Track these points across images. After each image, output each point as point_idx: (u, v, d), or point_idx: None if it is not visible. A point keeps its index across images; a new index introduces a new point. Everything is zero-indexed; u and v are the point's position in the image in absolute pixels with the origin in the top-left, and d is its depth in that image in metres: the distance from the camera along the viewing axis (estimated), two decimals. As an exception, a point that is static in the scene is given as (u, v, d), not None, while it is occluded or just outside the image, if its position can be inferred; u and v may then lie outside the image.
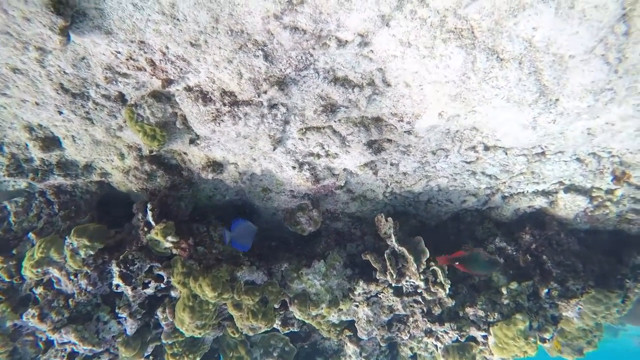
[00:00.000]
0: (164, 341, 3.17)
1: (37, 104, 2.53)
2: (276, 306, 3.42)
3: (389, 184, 3.40)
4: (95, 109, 2.66)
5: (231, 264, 3.14)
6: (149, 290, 3.03)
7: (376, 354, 3.97)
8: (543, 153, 2.99)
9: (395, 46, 2.08)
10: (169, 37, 2.17)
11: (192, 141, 2.91)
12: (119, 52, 2.26)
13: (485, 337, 3.46)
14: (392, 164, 3.13)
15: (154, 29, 2.12)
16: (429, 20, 1.93)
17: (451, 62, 2.09)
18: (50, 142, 2.84)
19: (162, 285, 3.04)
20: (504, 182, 3.39)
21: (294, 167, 3.00)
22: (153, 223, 2.95)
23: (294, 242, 3.77)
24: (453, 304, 3.37)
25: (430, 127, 2.61)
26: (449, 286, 3.25)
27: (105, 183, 3.37)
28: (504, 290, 3.45)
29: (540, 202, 3.54)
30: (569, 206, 3.49)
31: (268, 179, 3.24)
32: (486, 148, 2.94)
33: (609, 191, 3.31)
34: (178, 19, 2.07)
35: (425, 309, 3.50)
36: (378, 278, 3.37)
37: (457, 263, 3.17)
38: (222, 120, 2.57)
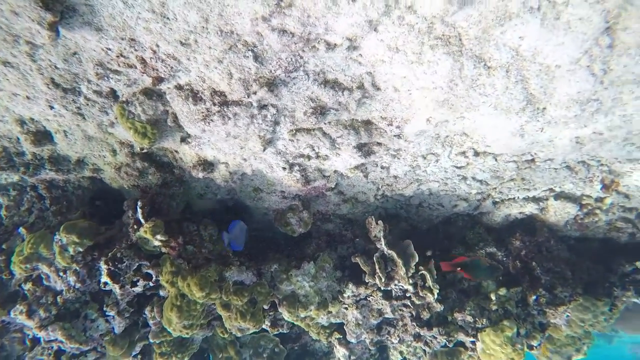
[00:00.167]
0: (151, 340, 3.17)
1: (28, 97, 2.54)
2: (265, 307, 3.43)
3: (380, 187, 3.41)
4: (87, 104, 2.67)
5: (220, 264, 3.14)
6: (138, 289, 3.03)
7: (365, 357, 3.98)
8: (533, 160, 3.00)
9: (384, 51, 2.09)
10: (159, 36, 2.18)
11: (183, 139, 2.92)
12: (110, 49, 2.27)
13: (473, 342, 3.47)
14: (382, 167, 3.14)
15: (145, 27, 2.13)
16: (416, 27, 1.94)
17: (439, 68, 2.10)
18: (42, 137, 2.85)
19: (151, 284, 3.05)
20: (495, 188, 3.40)
21: (284, 168, 3.01)
22: (143, 221, 2.95)
23: (284, 242, 3.77)
24: (442, 308, 3.38)
25: (420, 131, 2.62)
26: (438, 291, 3.26)
27: (98, 179, 3.38)
28: (493, 296, 3.45)
29: (530, 208, 3.55)
30: (559, 213, 3.50)
31: (259, 179, 3.25)
32: (476, 154, 2.95)
33: (599, 199, 3.32)
34: (168, 18, 2.08)
35: (414, 313, 3.51)
36: (367, 281, 3.38)
37: (459, 268, 3.19)
38: (211, 120, 2.58)
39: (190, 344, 3.46)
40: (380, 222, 3.32)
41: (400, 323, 3.62)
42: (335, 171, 3.13)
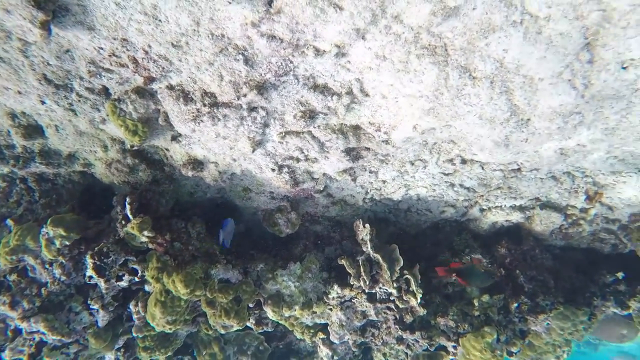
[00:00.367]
0: (135, 335, 3.20)
1: (19, 92, 2.56)
2: (251, 305, 3.46)
3: (368, 191, 3.45)
4: (79, 101, 2.69)
5: (206, 262, 3.17)
6: (123, 283, 3.06)
7: (348, 358, 4.01)
8: (519, 169, 3.05)
9: (371, 59, 2.13)
10: (151, 37, 2.21)
11: (174, 138, 2.95)
12: (102, 48, 2.30)
13: (455, 347, 3.51)
14: (371, 172, 3.18)
15: (137, 28, 2.16)
16: (403, 36, 1.98)
17: (425, 77, 2.14)
18: (33, 130, 2.87)
19: (137, 279, 3.07)
20: (482, 195, 3.44)
21: (273, 169, 3.04)
22: (131, 217, 2.98)
23: (272, 242, 3.80)
24: (424, 313, 3.42)
25: (407, 138, 2.66)
26: (421, 295, 3.30)
27: (89, 174, 3.40)
28: (476, 302, 3.50)
29: (517, 216, 3.60)
30: (545, 222, 3.55)
31: (248, 179, 3.28)
32: (463, 161, 3.00)
33: (583, 210, 3.37)
34: (160, 20, 2.11)
35: (397, 317, 3.55)
36: (352, 283, 3.41)
37: (454, 274, 3.23)
38: (201, 121, 2.61)
39: (174, 339, 3.49)
40: (367, 225, 3.36)
41: (384, 326, 3.66)
42: (324, 174, 3.17)
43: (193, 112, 2.60)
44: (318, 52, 2.16)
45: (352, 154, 2.90)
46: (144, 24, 2.13)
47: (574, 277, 3.63)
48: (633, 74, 1.92)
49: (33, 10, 1.84)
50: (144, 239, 2.98)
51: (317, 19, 1.94)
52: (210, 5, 1.99)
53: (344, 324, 3.57)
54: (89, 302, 3.05)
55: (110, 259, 2.95)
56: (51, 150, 3.11)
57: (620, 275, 3.47)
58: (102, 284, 2.98)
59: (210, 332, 3.64)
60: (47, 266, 3.00)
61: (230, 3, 1.92)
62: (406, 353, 3.66)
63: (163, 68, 2.41)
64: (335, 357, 3.86)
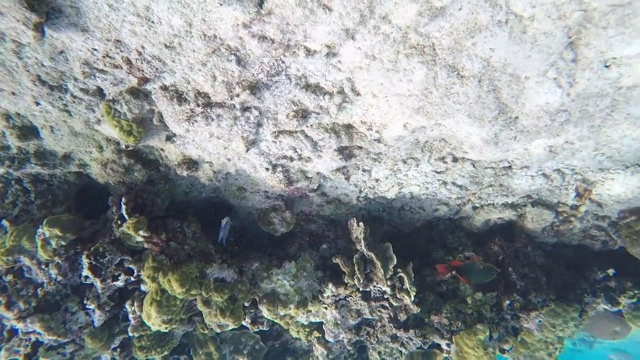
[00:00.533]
0: (130, 334, 3.22)
1: (13, 93, 2.58)
2: (246, 304, 3.48)
3: (362, 189, 3.48)
4: (74, 101, 2.72)
5: (202, 261, 3.20)
6: (119, 283, 3.08)
7: (343, 357, 4.04)
8: (510, 167, 3.09)
9: (361, 58, 2.17)
10: (144, 38, 2.24)
11: (168, 138, 2.97)
12: (96, 49, 2.32)
13: (449, 345, 3.54)
14: (364, 170, 3.21)
15: (130, 29, 2.19)
16: (391, 36, 2.02)
17: (414, 76, 2.18)
18: (28, 131, 2.89)
19: (132, 279, 3.09)
20: (474, 193, 3.48)
21: (267, 169, 3.07)
22: (126, 217, 3.00)
23: (267, 241, 3.83)
24: (418, 311, 3.45)
25: (398, 136, 2.70)
26: (415, 293, 3.33)
27: (84, 174, 3.42)
28: (469, 300, 3.53)
29: (509, 214, 3.64)
30: (537, 220, 3.59)
31: (243, 178, 3.31)
32: (455, 159, 3.03)
33: (574, 207, 3.41)
34: (153, 22, 2.14)
35: (392, 315, 3.58)
36: (347, 282, 3.44)
37: (453, 272, 3.27)
38: (195, 121, 2.64)
39: (171, 338, 3.51)
40: (361, 224, 3.39)
41: (379, 324, 3.69)
42: (317, 173, 3.20)
43: (187, 112, 2.63)
44: (309, 52, 2.19)
45: (345, 152, 2.93)
46: (137, 26, 2.16)
47: (566, 274, 3.68)
48: (616, 72, 1.97)
49: (26, 12, 1.87)
50: (139, 239, 3.00)
51: (307, 20, 1.97)
52: (202, 7, 2.03)
53: (339, 322, 3.60)
54: (85, 302, 3.07)
55: (106, 258, 2.97)
56: (46, 151, 3.13)
57: (611, 272, 3.51)
58: (98, 283, 3.00)
59: (206, 332, 3.67)
60: (43, 267, 3.02)
61: (221, 5, 1.96)
62: (400, 351, 3.69)
63: (157, 69, 2.44)
64: (330, 356, 3.89)
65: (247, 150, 2.90)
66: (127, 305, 3.17)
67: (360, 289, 3.43)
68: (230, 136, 2.79)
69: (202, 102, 2.58)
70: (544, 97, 2.18)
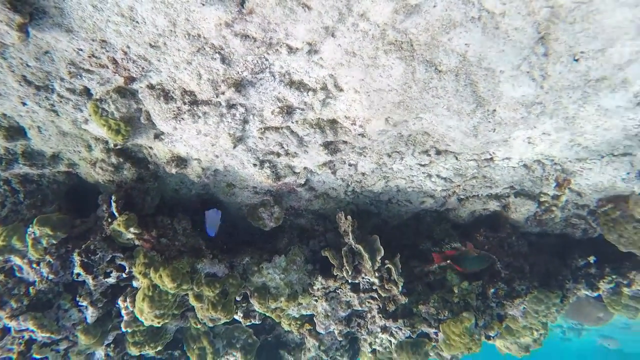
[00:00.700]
0: (124, 329, 3.27)
1: None
2: (238, 299, 3.54)
3: (349, 184, 3.55)
4: (61, 101, 2.75)
5: (193, 256, 3.25)
6: (111, 280, 3.13)
7: (335, 348, 4.13)
8: (492, 159, 3.17)
9: (342, 55, 2.23)
10: (129, 38, 2.28)
11: (156, 136, 3.01)
12: (81, 49, 2.36)
13: (436, 333, 3.64)
14: (350, 165, 3.28)
15: (115, 29, 2.23)
16: (370, 33, 2.08)
17: (393, 72, 2.24)
18: (15, 132, 2.91)
19: (124, 275, 3.14)
20: (459, 185, 3.57)
21: (255, 165, 3.13)
22: (116, 214, 3.04)
23: (258, 236, 3.89)
24: (406, 301, 3.54)
25: (381, 130, 2.76)
26: (402, 284, 3.41)
27: (74, 174, 3.45)
28: (456, 289, 3.63)
29: (493, 205, 3.73)
30: (520, 210, 3.69)
31: (231, 175, 3.36)
32: (438, 152, 3.11)
33: (555, 197, 3.51)
34: (137, 22, 2.18)
35: (381, 306, 3.67)
36: (336, 274, 3.52)
37: (448, 261, 3.35)
38: (182, 118, 2.69)
39: (164, 333, 3.56)
40: (349, 217, 3.46)
41: (369, 315, 3.77)
42: (304, 168, 3.26)
43: (174, 111, 2.68)
44: (291, 49, 2.25)
45: (331, 147, 3.00)
46: (121, 26, 2.20)
47: (549, 261, 3.78)
48: (584, 65, 2.05)
49: (9, 13, 1.90)
50: (130, 236, 3.05)
51: (288, 18, 2.03)
52: (185, 7, 2.07)
53: (329, 314, 3.68)
54: (77, 299, 3.11)
55: (98, 256, 3.02)
56: (34, 151, 3.16)
57: (592, 259, 3.63)
58: (90, 280, 3.05)
59: (199, 327, 3.73)
60: (34, 265, 3.05)
61: (204, 5, 2.01)
62: (390, 341, 3.78)
63: (143, 68, 2.48)
64: (321, 347, 3.97)
65: (234, 147, 2.96)
66: (119, 302, 3.22)
67: (349, 281, 3.51)
68: (217, 133, 2.84)
69: (188, 100, 2.63)
70: (519, 89, 2.26)
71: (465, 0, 1.88)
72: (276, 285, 3.50)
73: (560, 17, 1.82)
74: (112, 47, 2.35)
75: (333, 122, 2.84)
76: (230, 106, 2.67)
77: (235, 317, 3.71)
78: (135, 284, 3.24)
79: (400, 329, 3.68)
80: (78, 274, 2.99)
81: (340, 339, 3.82)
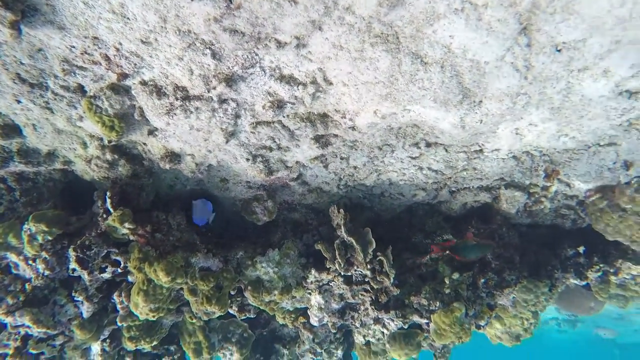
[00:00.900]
0: (119, 324, 3.30)
1: (-6, 92, 2.64)
2: (232, 293, 3.59)
3: (341, 177, 3.60)
4: (55, 99, 2.78)
5: (187, 251, 3.29)
6: (106, 275, 3.16)
7: (329, 340, 4.17)
8: (481, 151, 3.22)
9: (329, 48, 2.27)
10: (121, 35, 2.32)
11: (150, 132, 3.05)
12: (74, 47, 2.40)
13: (428, 324, 3.69)
14: (342, 158, 3.32)
15: (106, 26, 2.27)
16: (356, 26, 2.12)
17: (379, 64, 2.29)
18: (10, 130, 2.94)
19: (119, 270, 3.18)
20: (450, 177, 3.62)
21: (247, 159, 3.17)
22: (111, 210, 3.08)
23: (251, 231, 3.94)
24: (398, 292, 3.59)
25: (371, 123, 2.81)
26: (394, 275, 3.46)
27: (69, 171, 3.48)
28: (447, 280, 3.68)
29: (484, 197, 3.79)
30: (510, 201, 3.74)
31: (225, 170, 3.41)
32: (428, 144, 3.16)
33: (544, 188, 3.57)
34: (128, 18, 2.22)
35: (373, 297, 3.72)
36: (329, 267, 3.57)
37: (447, 252, 3.40)
38: (175, 114, 2.73)
39: (159, 328, 3.60)
40: (341, 210, 3.51)
41: (362, 307, 3.82)
42: (297, 162, 3.30)
43: (166, 106, 2.72)
44: (280, 44, 2.29)
45: (322, 141, 3.04)
46: (113, 22, 2.24)
47: (539, 252, 3.84)
48: (566, 55, 2.10)
49: (1, 10, 1.94)
50: (125, 231, 3.08)
51: (275, 13, 2.07)
52: (175, 3, 2.11)
53: (323, 307, 3.73)
54: (73, 294, 3.15)
55: (93, 251, 3.05)
56: (30, 149, 3.19)
57: (581, 249, 3.69)
58: (85, 276, 3.08)
59: (194, 321, 3.77)
60: (30, 262, 3.09)
61: (192, 0, 2.05)
62: (383, 332, 3.83)
63: (135, 64, 2.52)
64: (316, 340, 4.02)
65: (226, 142, 3.00)
66: (115, 297, 3.26)
67: (342, 273, 3.56)
68: (210, 128, 2.88)
69: (180, 96, 2.67)
70: (504, 80, 2.31)
71: (448, -8, 1.93)
72: (270, 279, 3.55)
73: (541, 7, 1.87)
74: (104, 44, 2.39)
75: (324, 116, 2.89)
76: (222, 101, 2.71)
77: (230, 311, 3.75)
78: (130, 278, 3.28)
79: (393, 320, 3.73)
80: (73, 270, 3.02)
81: (334, 331, 3.87)
